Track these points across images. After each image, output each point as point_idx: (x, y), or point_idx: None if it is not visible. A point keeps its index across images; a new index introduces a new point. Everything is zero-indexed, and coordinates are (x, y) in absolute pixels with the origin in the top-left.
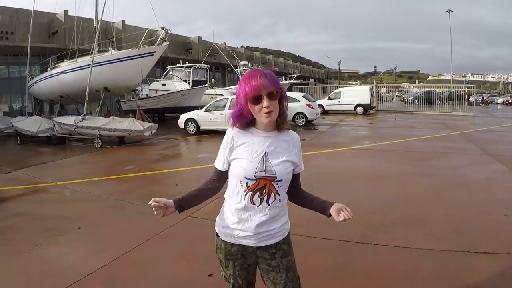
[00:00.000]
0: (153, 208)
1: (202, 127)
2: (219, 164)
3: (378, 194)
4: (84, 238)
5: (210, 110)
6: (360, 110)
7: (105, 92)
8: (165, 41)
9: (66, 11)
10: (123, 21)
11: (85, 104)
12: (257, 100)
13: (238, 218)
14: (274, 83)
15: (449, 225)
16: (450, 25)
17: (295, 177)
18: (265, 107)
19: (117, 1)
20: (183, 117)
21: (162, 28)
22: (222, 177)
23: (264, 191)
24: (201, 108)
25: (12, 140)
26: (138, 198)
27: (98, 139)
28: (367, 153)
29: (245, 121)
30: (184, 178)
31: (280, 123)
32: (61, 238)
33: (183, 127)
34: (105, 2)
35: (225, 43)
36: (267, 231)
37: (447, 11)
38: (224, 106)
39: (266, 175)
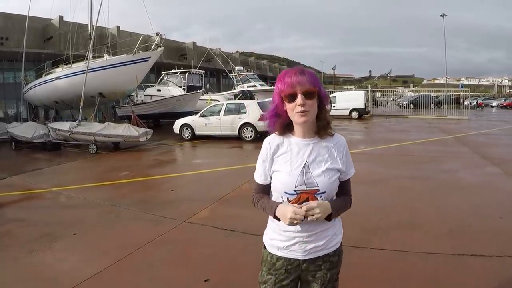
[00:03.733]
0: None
1: (197, 132)
2: (260, 178)
3: (374, 198)
4: (79, 244)
5: (205, 116)
6: (355, 114)
7: (100, 98)
8: (160, 46)
9: (61, 17)
10: (118, 27)
11: (80, 109)
12: (291, 98)
13: (283, 230)
14: (312, 81)
15: (445, 228)
16: (445, 29)
17: (342, 185)
18: (299, 105)
19: (112, 6)
20: (178, 123)
21: (157, 34)
22: (267, 190)
23: None
24: (196, 113)
25: (7, 146)
26: (133, 204)
27: (93, 144)
28: (362, 157)
29: (281, 122)
30: (180, 184)
31: (321, 129)
32: (57, 244)
33: (178, 132)
34: (100, 8)
35: (219, 49)
36: (315, 245)
37: (441, 15)
38: (219, 111)
39: (307, 188)
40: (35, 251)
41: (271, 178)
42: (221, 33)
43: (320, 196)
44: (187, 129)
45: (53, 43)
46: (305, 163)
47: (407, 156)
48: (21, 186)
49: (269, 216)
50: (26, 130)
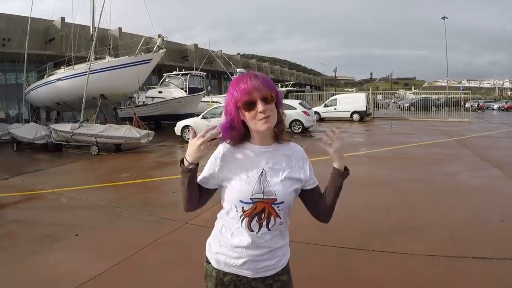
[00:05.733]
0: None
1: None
2: (202, 180)
3: (375, 200)
4: (81, 245)
5: (207, 118)
6: (356, 117)
7: (102, 99)
8: (162, 48)
9: (63, 18)
10: (120, 29)
11: (82, 111)
12: (249, 105)
13: (234, 245)
14: (268, 85)
15: (446, 230)
16: (446, 32)
17: (312, 194)
18: (260, 111)
19: (114, 8)
20: (180, 125)
21: (159, 36)
22: (203, 195)
23: (263, 215)
24: (198, 115)
25: (8, 147)
26: (135, 205)
27: (94, 146)
28: (363, 159)
29: (237, 134)
30: None
31: (278, 134)
32: (58, 245)
33: (179, 134)
34: (102, 9)
35: (221, 51)
36: (266, 264)
37: (442, 18)
38: (221, 113)
39: (264, 197)
40: (36, 252)
41: (219, 186)
42: (222, 35)
43: (278, 207)
44: (188, 131)
45: (55, 45)
46: (262, 171)
47: (408, 159)
48: (22, 187)
49: (216, 227)
50: (28, 131)
